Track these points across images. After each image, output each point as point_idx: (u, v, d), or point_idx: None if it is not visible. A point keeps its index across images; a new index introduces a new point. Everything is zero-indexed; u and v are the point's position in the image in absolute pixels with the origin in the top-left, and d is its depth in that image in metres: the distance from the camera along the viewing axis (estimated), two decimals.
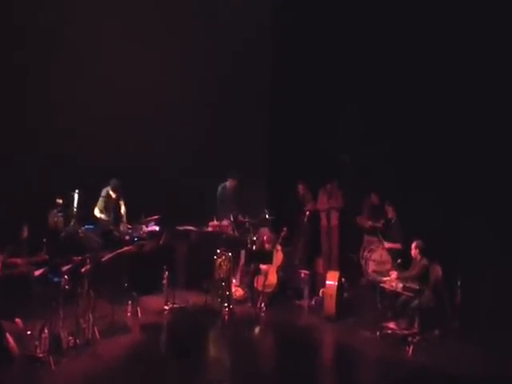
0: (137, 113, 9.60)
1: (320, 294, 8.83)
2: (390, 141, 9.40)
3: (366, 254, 9.34)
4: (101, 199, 8.97)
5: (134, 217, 9.09)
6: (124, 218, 8.98)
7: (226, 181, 9.55)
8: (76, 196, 8.53)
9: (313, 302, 9.00)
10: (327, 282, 8.43)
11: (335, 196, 10.10)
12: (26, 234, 7.64)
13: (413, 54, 9.24)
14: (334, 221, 10.12)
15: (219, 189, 9.57)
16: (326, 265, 9.74)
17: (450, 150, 8.86)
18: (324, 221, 10.20)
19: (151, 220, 9.11)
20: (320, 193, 10.20)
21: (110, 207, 9.00)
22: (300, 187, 10.30)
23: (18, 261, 7.46)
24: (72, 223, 8.51)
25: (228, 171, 9.52)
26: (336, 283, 8.32)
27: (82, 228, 8.59)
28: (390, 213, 9.33)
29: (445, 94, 8.91)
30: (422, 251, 7.78)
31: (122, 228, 8.89)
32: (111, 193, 8.97)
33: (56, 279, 6.67)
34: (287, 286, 9.34)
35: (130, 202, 9.09)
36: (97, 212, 8.94)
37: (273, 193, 11.00)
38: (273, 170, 11.27)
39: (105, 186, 9.01)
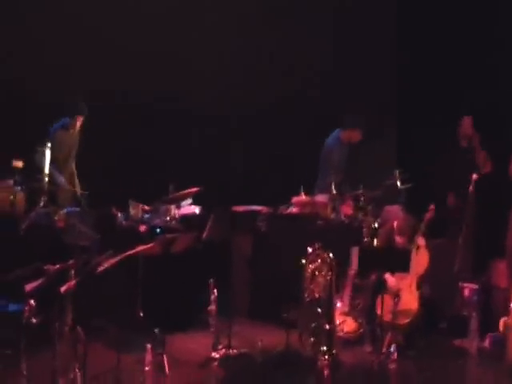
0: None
1: (500, 328, 8.58)
2: None
3: None
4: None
5: (155, 190, 9.21)
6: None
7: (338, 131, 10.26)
8: (47, 153, 8.68)
9: (486, 343, 8.77)
10: None
11: None
12: None
13: None
14: None
15: (328, 143, 10.22)
16: None
17: None
18: None
19: (186, 195, 9.25)
20: None
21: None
22: (464, 124, 10.30)
23: None
24: (42, 203, 8.65)
25: (344, 117, 10.17)
26: None
27: (62, 211, 8.73)
28: None
29: None
30: None
31: (132, 210, 8.95)
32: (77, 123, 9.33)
33: (13, 307, 6.89)
34: (438, 312, 9.30)
35: (151, 166, 9.92)
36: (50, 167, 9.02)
37: (407, 143, 11.52)
38: (404, 106, 11.91)
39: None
